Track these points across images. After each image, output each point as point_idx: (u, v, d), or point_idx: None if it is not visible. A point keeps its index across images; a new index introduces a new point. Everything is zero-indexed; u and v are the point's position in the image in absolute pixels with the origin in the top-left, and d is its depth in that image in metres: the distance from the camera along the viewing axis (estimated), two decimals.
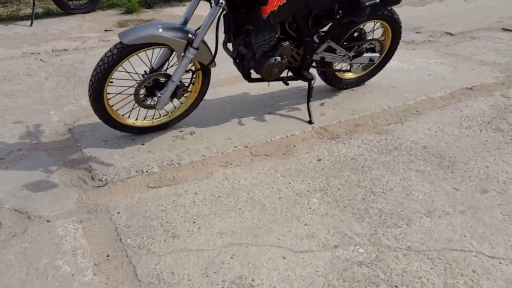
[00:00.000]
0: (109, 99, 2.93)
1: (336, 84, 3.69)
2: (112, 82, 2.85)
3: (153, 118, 3.17)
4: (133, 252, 2.20)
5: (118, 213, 2.48)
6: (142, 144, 3.07)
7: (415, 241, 2.17)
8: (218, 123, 3.32)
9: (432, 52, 4.70)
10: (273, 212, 2.42)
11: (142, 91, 2.94)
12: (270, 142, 3.08)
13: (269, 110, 3.48)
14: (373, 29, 3.55)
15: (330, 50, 3.28)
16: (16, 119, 3.44)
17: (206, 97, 3.58)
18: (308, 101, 3.37)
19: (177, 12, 6.47)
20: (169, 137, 3.14)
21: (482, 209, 2.35)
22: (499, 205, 2.38)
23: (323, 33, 3.22)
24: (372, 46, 3.53)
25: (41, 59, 4.58)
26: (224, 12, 2.77)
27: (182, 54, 2.81)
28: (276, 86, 3.54)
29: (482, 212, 2.33)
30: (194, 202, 2.54)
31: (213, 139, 3.11)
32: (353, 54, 3.40)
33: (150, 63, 2.94)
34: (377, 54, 3.54)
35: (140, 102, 2.96)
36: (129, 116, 3.08)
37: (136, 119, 3.11)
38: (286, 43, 3.06)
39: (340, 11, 3.15)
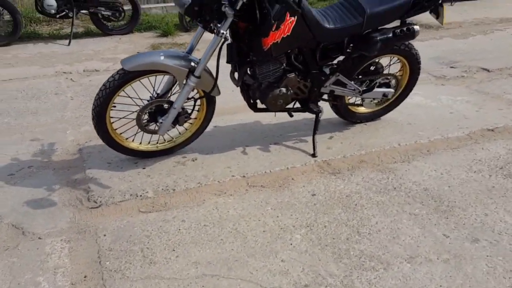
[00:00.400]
0: (112, 122, 3.01)
1: (349, 117, 3.63)
2: (115, 106, 2.94)
3: (157, 143, 3.23)
4: (108, 275, 2.23)
5: (105, 235, 2.53)
6: (143, 168, 3.12)
7: (388, 287, 2.07)
8: (222, 150, 3.33)
9: (462, 88, 4.54)
10: (253, 245, 2.39)
11: (145, 116, 3.00)
12: (269, 173, 3.06)
13: (276, 140, 3.46)
14: (389, 63, 3.48)
15: (339, 83, 3.24)
16: (34, 137, 3.59)
17: (217, 123, 3.63)
18: (313, 134, 3.33)
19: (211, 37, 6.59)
20: (171, 163, 3.19)
21: (468, 259, 2.22)
22: (487, 256, 2.25)
23: (332, 66, 3.19)
24: (387, 81, 3.45)
25: (71, 79, 4.79)
26: (228, 41, 2.80)
27: (184, 82, 2.86)
28: (287, 116, 3.51)
29: (467, 262, 2.20)
30: (179, 229, 2.55)
31: (213, 166, 3.13)
32: (364, 88, 3.34)
33: (153, 89, 3.01)
34: (391, 90, 3.46)
35: (143, 127, 3.03)
36: (133, 140, 3.16)
37: (140, 143, 3.17)
38: (292, 75, 3.05)
39: (351, 45, 3.11)
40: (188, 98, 2.99)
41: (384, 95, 3.44)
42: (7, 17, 5.93)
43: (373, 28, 3.10)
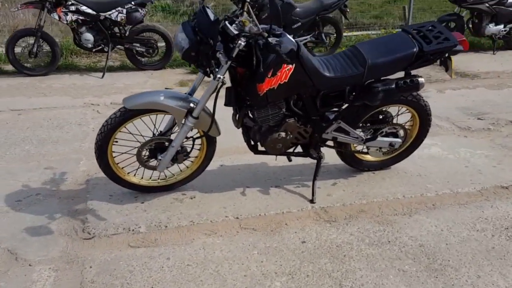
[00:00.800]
0: (115, 157, 3.10)
1: (355, 165, 3.58)
2: (117, 141, 3.03)
3: (158, 179, 3.29)
4: None
5: (91, 267, 2.58)
6: (142, 203, 3.18)
7: None
8: (222, 190, 3.35)
9: (485, 142, 4.39)
10: None
11: (145, 153, 3.07)
12: (263, 216, 3.04)
13: (278, 183, 3.45)
14: (398, 113, 3.44)
15: (341, 130, 3.22)
16: (48, 165, 3.74)
17: (224, 162, 3.68)
18: (313, 180, 3.30)
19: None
20: (169, 199, 3.23)
21: None
22: None
23: (334, 113, 3.18)
24: (394, 131, 3.40)
25: (97, 111, 4.98)
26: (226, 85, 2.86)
27: (183, 121, 2.92)
28: (295, 159, 3.51)
29: None
30: (162, 267, 2.56)
31: (209, 205, 3.15)
32: (368, 137, 3.30)
33: (154, 126, 3.08)
34: (398, 140, 3.40)
35: (143, 163, 3.10)
36: (134, 175, 3.22)
37: (142, 178, 3.24)
38: (291, 120, 3.07)
39: (353, 94, 3.11)
40: (187, 138, 3.05)
41: (391, 145, 3.38)
42: (46, 48, 6.26)
43: (375, 78, 3.08)
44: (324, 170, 3.65)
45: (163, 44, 6.57)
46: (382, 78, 3.13)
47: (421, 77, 3.13)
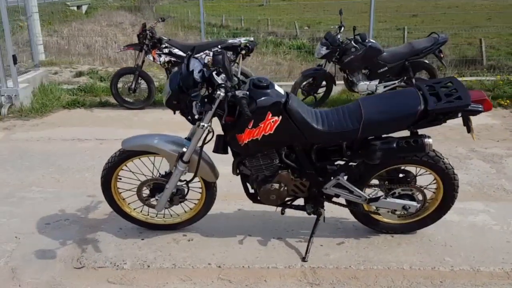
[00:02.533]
0: (120, 193, 3.28)
1: (371, 225, 3.31)
2: (120, 179, 3.21)
3: (164, 217, 3.39)
4: None
5: None
6: (142, 239, 3.30)
7: None
8: (224, 235, 3.34)
9: None
10: None
11: (145, 191, 3.20)
12: (246, 268, 2.97)
13: (283, 235, 3.33)
14: (416, 174, 3.13)
15: (341, 187, 3.02)
16: (92, 193, 4.05)
17: (240, 207, 3.64)
18: (310, 236, 3.13)
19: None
20: (169, 239, 3.31)
21: None
22: None
23: (333, 167, 3.01)
24: (409, 193, 3.09)
25: None
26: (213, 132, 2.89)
27: (174, 165, 3.01)
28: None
29: None
30: None
31: (201, 250, 3.16)
32: (372, 197, 3.04)
33: (154, 166, 3.20)
34: (414, 203, 3.07)
35: (143, 201, 3.23)
36: (141, 211, 3.36)
37: (148, 215, 3.36)
38: (284, 172, 2.98)
39: (350, 150, 2.92)
40: (181, 181, 3.11)
41: (405, 208, 3.07)
42: (144, 85, 6.84)
43: (374, 135, 2.86)
44: (338, 227, 3.44)
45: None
46: (383, 136, 2.88)
47: (428, 137, 2.83)
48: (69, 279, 2.90)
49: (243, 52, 2.95)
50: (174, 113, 2.84)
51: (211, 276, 2.90)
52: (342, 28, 6.59)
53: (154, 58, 6.57)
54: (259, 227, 3.45)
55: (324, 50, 6.45)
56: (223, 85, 2.67)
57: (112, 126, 6.07)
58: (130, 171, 3.21)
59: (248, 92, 2.67)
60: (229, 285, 2.81)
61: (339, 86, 7.07)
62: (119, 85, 6.84)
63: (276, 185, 2.99)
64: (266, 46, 14.77)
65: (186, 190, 3.18)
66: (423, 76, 6.92)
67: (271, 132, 2.79)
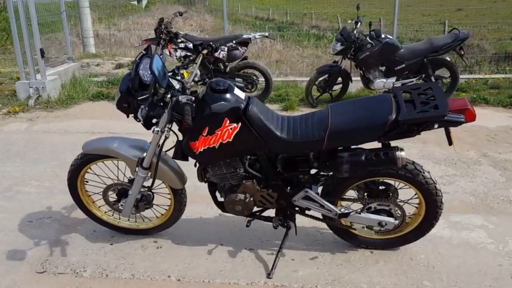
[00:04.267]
0: (89, 196, 3.20)
1: (349, 240, 3.09)
2: (87, 181, 3.13)
3: (136, 222, 3.29)
4: None
5: None
6: (111, 244, 3.23)
7: None
8: (196, 243, 3.21)
9: None
10: None
11: (112, 196, 3.11)
12: (206, 283, 2.83)
13: (257, 246, 3.16)
14: (395, 187, 2.87)
15: (310, 200, 2.81)
16: None
17: (218, 211, 3.46)
18: (278, 251, 2.95)
19: None
20: (137, 245, 3.22)
21: None
22: None
23: (300, 180, 2.80)
24: (386, 208, 2.84)
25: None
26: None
27: (135, 171, 2.89)
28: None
29: None
30: None
31: (166, 260, 3.05)
32: (342, 212, 2.81)
33: (119, 170, 3.10)
34: (390, 219, 2.82)
35: (111, 205, 3.14)
36: (112, 215, 3.28)
37: (120, 219, 3.28)
38: (249, 182, 2.80)
39: (317, 161, 2.70)
40: (144, 187, 2.99)
41: (381, 224, 2.83)
42: None
43: (342, 146, 2.62)
44: (317, 239, 3.24)
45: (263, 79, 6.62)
46: (353, 147, 2.64)
47: (400, 150, 2.57)
48: (28, 285, 2.86)
49: (204, 51, 2.75)
50: (127, 116, 2.70)
51: None
52: (359, 24, 6.32)
53: (170, 53, 6.49)
54: (235, 235, 3.29)
55: (339, 46, 6.22)
56: (173, 88, 2.50)
57: (128, 119, 6.03)
58: (95, 174, 3.12)
59: (193, 98, 2.49)
60: None
61: (358, 83, 6.76)
62: None
63: (241, 196, 2.82)
64: (308, 40, 14.66)
65: (151, 196, 3.05)
66: (444, 74, 6.52)
67: (230, 140, 2.61)
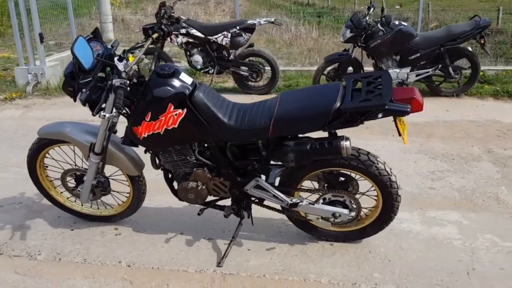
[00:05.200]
0: (51, 181, 3.21)
1: (309, 231, 3.02)
2: (47, 167, 3.14)
3: (98, 208, 3.29)
4: None
5: None
6: (71, 230, 3.24)
7: None
8: (156, 231, 3.19)
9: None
10: None
11: (71, 181, 3.11)
12: (155, 270, 2.80)
13: (213, 236, 3.12)
14: (354, 179, 2.79)
15: (262, 189, 2.76)
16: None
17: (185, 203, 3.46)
18: (230, 241, 2.91)
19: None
20: (97, 231, 3.22)
21: None
22: None
23: (251, 168, 2.75)
24: (340, 199, 2.77)
25: None
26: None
27: (88, 156, 2.88)
28: (260, 213, 3.12)
29: None
30: None
31: (122, 246, 3.04)
32: (295, 201, 2.74)
33: (75, 155, 3.09)
34: (344, 211, 2.75)
35: (70, 191, 3.14)
36: (75, 201, 3.28)
37: (82, 205, 3.28)
38: (200, 170, 2.76)
39: (266, 150, 2.65)
40: (99, 173, 2.98)
41: (334, 215, 2.75)
42: None
43: (286, 135, 2.56)
44: (280, 230, 3.18)
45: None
46: (300, 135, 2.58)
47: (346, 139, 2.49)
48: None
49: (155, 35, 2.70)
50: (75, 100, 2.67)
51: (116, 275, 2.77)
52: (372, 9, 6.00)
53: (171, 39, 6.32)
54: (198, 225, 3.25)
55: (348, 33, 5.95)
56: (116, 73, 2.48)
57: None
58: (53, 159, 3.13)
59: (127, 81, 2.45)
60: (128, 286, 2.66)
61: None
62: (141, 66, 6.79)
63: (193, 184, 2.78)
64: None
65: (108, 182, 3.04)
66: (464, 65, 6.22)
67: (175, 126, 2.57)
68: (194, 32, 6.32)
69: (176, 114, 2.55)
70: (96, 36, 2.67)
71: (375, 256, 2.87)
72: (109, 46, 2.72)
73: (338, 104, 2.40)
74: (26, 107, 6.19)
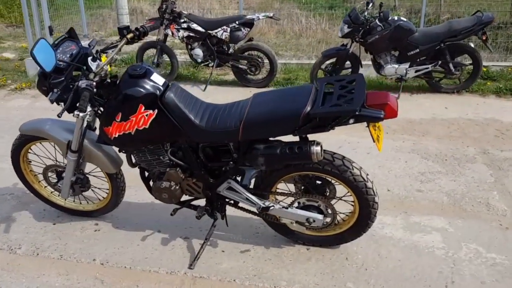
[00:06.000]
0: (35, 175, 3.24)
1: (286, 235, 2.97)
2: (30, 162, 3.17)
3: (81, 203, 3.31)
4: None
5: None
6: (54, 224, 3.27)
7: None
8: (134, 228, 3.20)
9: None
10: None
11: (53, 176, 3.13)
12: (127, 269, 2.81)
13: (190, 235, 3.10)
14: (331, 184, 2.73)
15: (234, 191, 2.72)
16: None
17: None
18: (203, 242, 2.88)
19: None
20: (78, 226, 3.24)
21: None
22: None
23: (224, 170, 2.72)
24: (315, 204, 2.71)
25: None
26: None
27: (66, 153, 2.89)
28: (239, 212, 3.09)
29: None
30: None
31: (99, 243, 3.05)
32: (267, 205, 2.70)
33: (56, 151, 3.10)
34: (318, 216, 2.69)
35: (52, 186, 3.17)
36: (58, 195, 3.30)
37: (65, 199, 3.30)
38: (172, 170, 2.73)
39: (237, 152, 2.60)
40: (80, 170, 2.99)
41: (308, 220, 2.70)
42: (167, 59, 6.76)
43: (257, 138, 2.50)
44: (258, 232, 3.14)
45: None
46: (270, 139, 2.53)
47: (317, 144, 2.42)
48: None
49: (129, 36, 2.67)
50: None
51: (89, 273, 2.78)
52: (370, 4, 5.90)
53: (172, 33, 6.41)
54: (176, 223, 3.24)
55: (346, 29, 5.86)
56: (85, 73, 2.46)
57: None
58: (35, 154, 3.15)
59: (93, 83, 2.43)
60: (100, 286, 2.67)
61: (371, 68, 6.42)
62: (144, 58, 6.84)
63: (167, 184, 2.76)
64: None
65: (86, 179, 3.05)
66: (466, 61, 6.08)
67: (146, 126, 2.55)
68: (195, 26, 6.35)
69: (147, 115, 2.52)
70: (71, 36, 2.66)
71: (351, 264, 2.81)
72: (86, 45, 2.70)
73: (308, 108, 2.33)
74: (34, 97, 6.27)
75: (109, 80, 2.61)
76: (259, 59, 6.40)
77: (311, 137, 2.49)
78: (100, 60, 2.55)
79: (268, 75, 6.50)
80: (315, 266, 2.79)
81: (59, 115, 2.35)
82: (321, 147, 2.43)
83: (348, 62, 6.09)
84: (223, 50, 6.47)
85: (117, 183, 3.05)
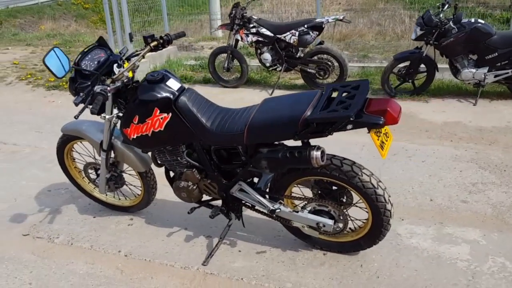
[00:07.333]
0: (79, 171, 3.53)
1: (302, 238, 2.97)
2: (74, 159, 3.46)
3: (119, 199, 3.55)
4: None
5: None
6: (94, 217, 3.53)
7: None
8: (164, 225, 3.35)
9: None
10: None
11: (93, 173, 3.40)
12: (146, 262, 2.97)
13: (214, 234, 3.20)
14: (346, 189, 2.71)
15: (246, 193, 2.80)
16: None
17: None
18: (218, 241, 2.98)
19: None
20: (115, 220, 3.47)
21: None
22: None
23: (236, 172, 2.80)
24: (325, 209, 2.71)
25: None
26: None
27: (99, 152, 3.13)
28: (262, 216, 3.16)
29: None
30: (27, 281, 2.87)
31: (128, 236, 3.24)
32: (275, 207, 2.73)
33: (94, 150, 3.34)
34: (328, 221, 2.67)
35: (92, 182, 3.43)
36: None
37: (107, 195, 3.56)
38: (189, 171, 2.86)
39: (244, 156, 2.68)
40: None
41: (318, 225, 2.70)
42: (237, 64, 6.94)
43: (261, 142, 2.55)
44: (279, 234, 3.17)
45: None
46: (275, 143, 2.58)
47: (317, 149, 2.42)
48: (9, 245, 3.22)
49: (153, 44, 2.83)
50: None
51: (113, 263, 2.97)
52: (446, 6, 5.64)
53: (242, 38, 6.55)
54: (203, 221, 3.35)
55: (418, 31, 5.67)
56: (105, 78, 2.67)
57: None
58: (78, 152, 3.42)
59: (108, 88, 2.60)
60: (119, 276, 2.85)
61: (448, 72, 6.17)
62: (216, 63, 7.05)
63: (185, 183, 2.89)
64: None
65: (120, 177, 3.26)
66: None
67: (161, 129, 2.70)
68: (264, 31, 6.43)
69: (162, 118, 2.67)
70: (101, 44, 2.88)
71: (364, 271, 2.76)
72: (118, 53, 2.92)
73: (307, 113, 2.35)
74: None
75: (134, 85, 2.79)
76: (328, 63, 6.35)
77: (321, 142, 2.49)
78: (123, 67, 2.74)
79: (338, 79, 6.44)
80: (326, 271, 2.78)
81: (75, 117, 2.56)
82: (322, 152, 2.43)
83: (422, 66, 5.88)
84: (291, 54, 6.50)
85: (147, 181, 3.24)
